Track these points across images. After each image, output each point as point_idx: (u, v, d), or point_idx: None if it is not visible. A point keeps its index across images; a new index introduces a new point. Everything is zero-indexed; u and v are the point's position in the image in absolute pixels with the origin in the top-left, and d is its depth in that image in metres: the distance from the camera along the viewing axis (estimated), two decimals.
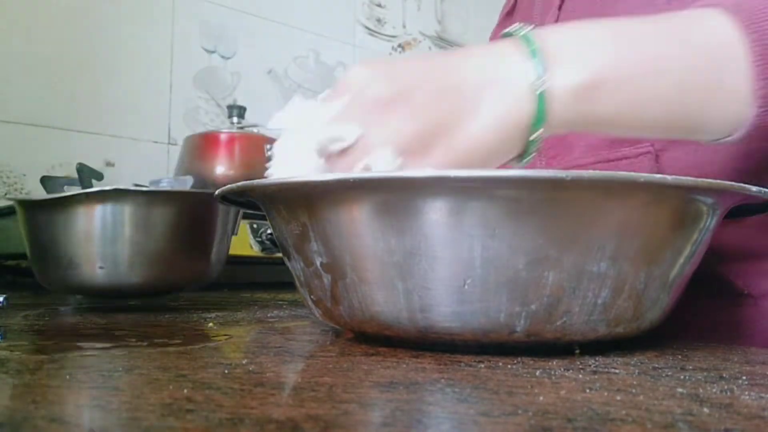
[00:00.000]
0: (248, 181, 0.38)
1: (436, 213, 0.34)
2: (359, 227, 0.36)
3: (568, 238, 0.34)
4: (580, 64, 0.37)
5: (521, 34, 0.38)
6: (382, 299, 0.36)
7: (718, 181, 0.35)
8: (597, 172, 0.32)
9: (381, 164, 0.36)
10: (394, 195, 0.34)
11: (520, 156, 0.39)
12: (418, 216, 0.34)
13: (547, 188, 0.33)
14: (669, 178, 0.33)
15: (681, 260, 0.38)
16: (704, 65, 0.40)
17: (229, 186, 0.40)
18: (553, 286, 0.34)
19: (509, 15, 0.71)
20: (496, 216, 0.33)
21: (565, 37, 0.39)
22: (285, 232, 0.41)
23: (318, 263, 0.39)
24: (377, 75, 0.37)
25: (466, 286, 0.34)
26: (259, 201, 0.42)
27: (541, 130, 0.37)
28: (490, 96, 0.36)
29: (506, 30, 0.40)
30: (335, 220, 0.37)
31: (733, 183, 0.35)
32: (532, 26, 0.39)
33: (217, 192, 0.43)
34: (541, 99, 0.36)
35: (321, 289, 0.39)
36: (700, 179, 0.34)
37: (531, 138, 0.37)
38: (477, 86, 0.37)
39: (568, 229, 0.34)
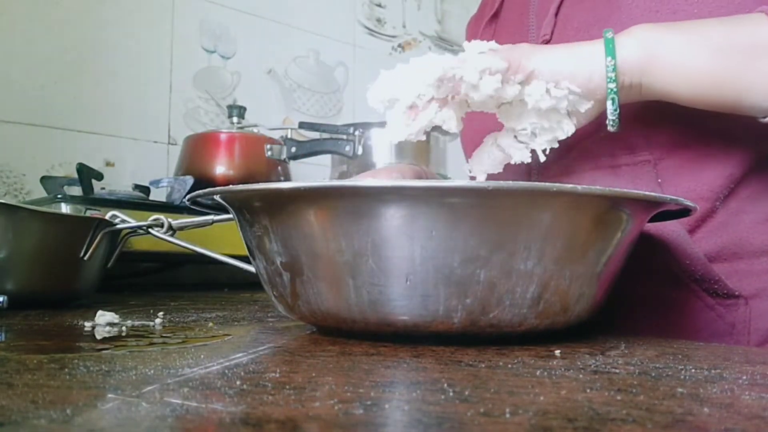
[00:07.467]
0: (214, 188, 0.42)
1: (381, 217, 0.37)
2: (313, 230, 0.39)
3: (501, 241, 0.37)
4: (642, 42, 0.48)
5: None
6: (335, 295, 0.39)
7: (631, 190, 0.39)
8: (520, 183, 0.36)
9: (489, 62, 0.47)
10: (344, 201, 0.38)
11: (599, 106, 0.49)
12: (365, 220, 0.37)
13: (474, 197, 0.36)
14: (579, 188, 0.36)
15: (603, 260, 0.42)
16: (744, 54, 0.48)
17: (197, 192, 0.44)
18: (485, 282, 0.37)
19: (493, 20, 0.70)
20: (433, 220, 0.37)
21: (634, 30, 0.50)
22: (249, 234, 0.44)
23: (278, 262, 0.41)
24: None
25: (408, 282, 0.37)
26: (228, 205, 0.45)
27: (614, 80, 0.48)
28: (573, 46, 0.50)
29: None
30: (292, 223, 0.40)
31: (645, 192, 0.40)
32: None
33: (187, 197, 0.46)
34: (610, 44, 0.48)
35: (282, 285, 0.42)
36: (613, 189, 0.38)
37: (608, 84, 0.48)
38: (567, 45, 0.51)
39: (500, 232, 0.37)
